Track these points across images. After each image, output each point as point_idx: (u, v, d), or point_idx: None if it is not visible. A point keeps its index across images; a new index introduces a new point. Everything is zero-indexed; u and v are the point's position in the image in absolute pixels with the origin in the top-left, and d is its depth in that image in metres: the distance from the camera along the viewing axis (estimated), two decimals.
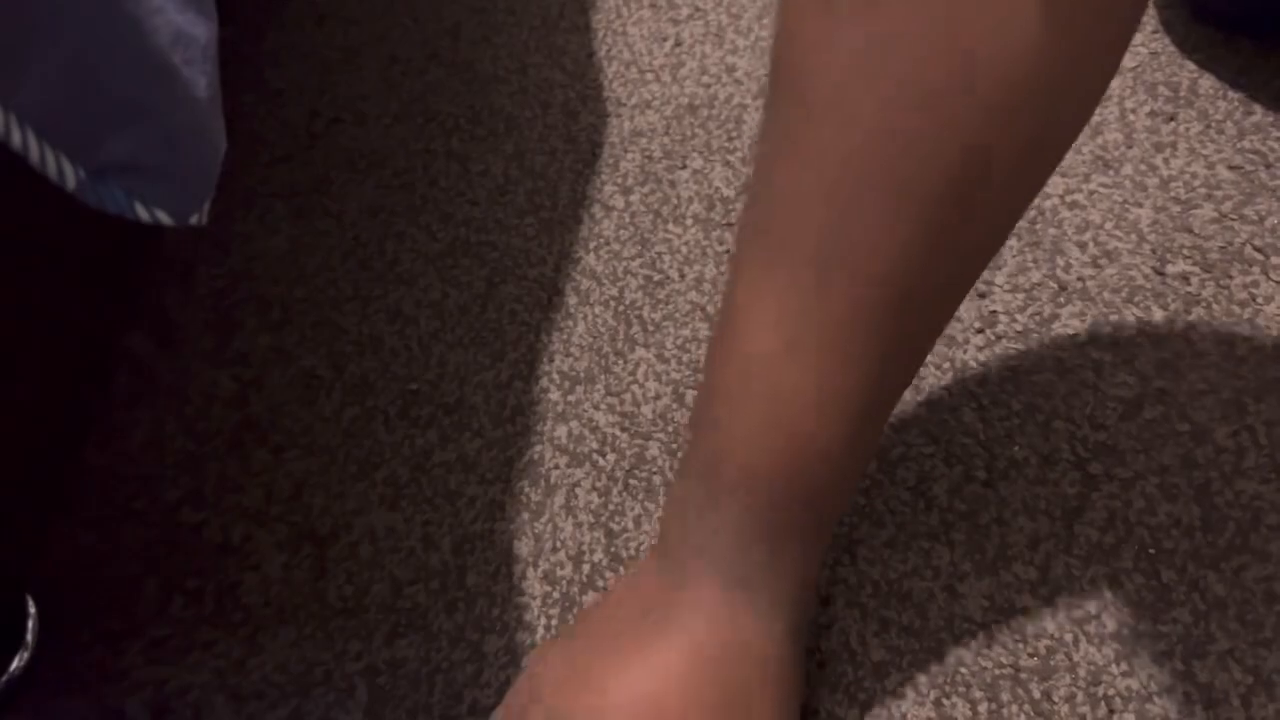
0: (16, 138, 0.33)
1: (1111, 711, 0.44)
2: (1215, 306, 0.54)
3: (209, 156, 0.41)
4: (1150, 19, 0.65)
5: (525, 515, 0.53)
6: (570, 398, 0.57)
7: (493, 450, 0.56)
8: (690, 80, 0.69)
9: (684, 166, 0.65)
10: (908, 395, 0.53)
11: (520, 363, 0.59)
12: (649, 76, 0.70)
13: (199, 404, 0.60)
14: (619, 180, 0.65)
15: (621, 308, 0.60)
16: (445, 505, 0.54)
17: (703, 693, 0.38)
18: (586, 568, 0.51)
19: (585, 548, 0.52)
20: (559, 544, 0.52)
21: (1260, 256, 0.55)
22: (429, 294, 0.62)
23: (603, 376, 0.57)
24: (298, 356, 0.61)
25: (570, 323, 0.60)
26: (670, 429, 0.55)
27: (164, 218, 0.37)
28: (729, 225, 0.62)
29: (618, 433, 0.55)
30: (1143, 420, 0.51)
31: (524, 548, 0.52)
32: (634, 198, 0.64)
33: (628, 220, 0.63)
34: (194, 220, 0.39)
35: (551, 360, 0.58)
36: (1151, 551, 0.47)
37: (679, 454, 0.54)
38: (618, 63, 0.71)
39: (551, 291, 0.61)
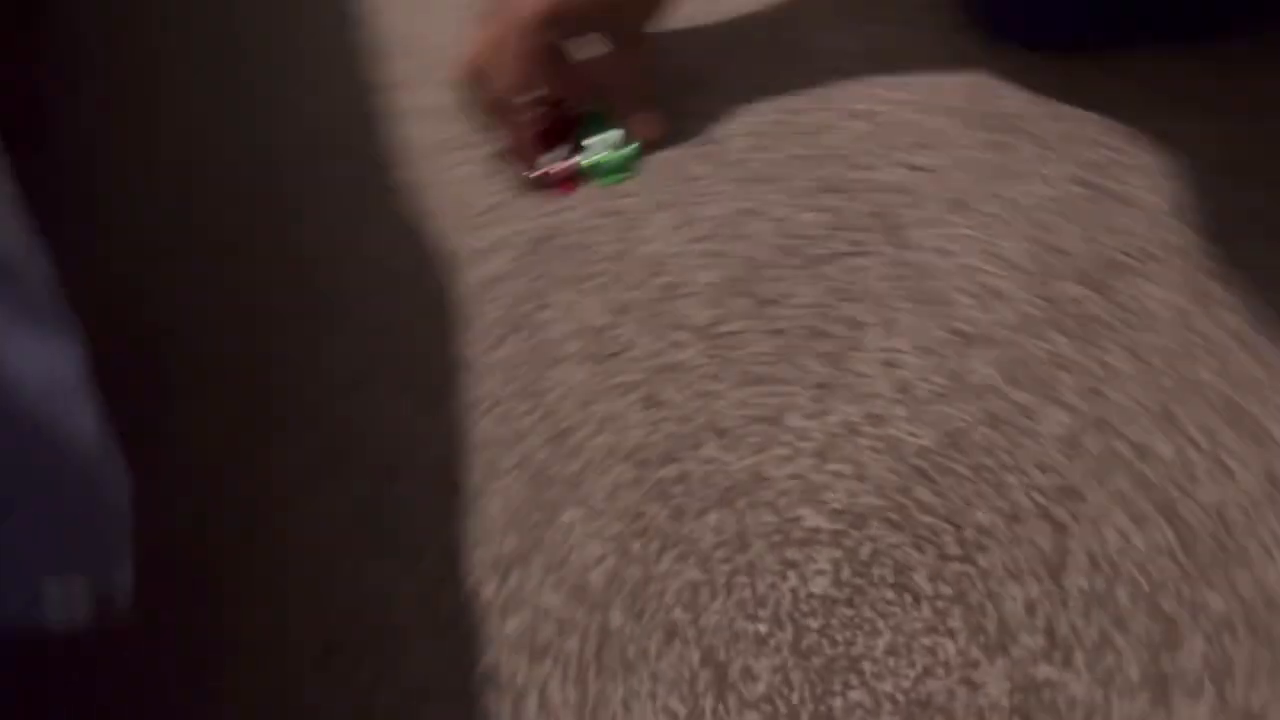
0: None
1: None
2: (1112, 319, 0.54)
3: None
4: (954, 53, 0.67)
5: None
6: (508, 586, 0.52)
7: (440, 670, 0.50)
8: (529, 210, 0.66)
9: (547, 305, 0.62)
10: (855, 485, 0.51)
11: (440, 562, 0.53)
12: (484, 219, 0.66)
13: None
14: (486, 336, 0.61)
15: (532, 470, 0.55)
16: None
17: None
18: None
19: None
20: None
21: (1135, 262, 0.56)
22: (316, 511, 0.56)
23: (536, 553, 0.53)
24: (188, 626, 0.53)
25: (482, 502, 0.55)
26: (628, 590, 0.50)
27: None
28: (614, 355, 0.59)
29: (573, 610, 0.50)
30: (1087, 453, 0.51)
31: None
32: (506, 350, 0.60)
33: (510, 375, 0.59)
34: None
35: (474, 549, 0.53)
36: (1145, 587, 0.46)
37: (646, 619, 0.50)
38: (451, 213, 0.67)
39: (450, 474, 0.56)
